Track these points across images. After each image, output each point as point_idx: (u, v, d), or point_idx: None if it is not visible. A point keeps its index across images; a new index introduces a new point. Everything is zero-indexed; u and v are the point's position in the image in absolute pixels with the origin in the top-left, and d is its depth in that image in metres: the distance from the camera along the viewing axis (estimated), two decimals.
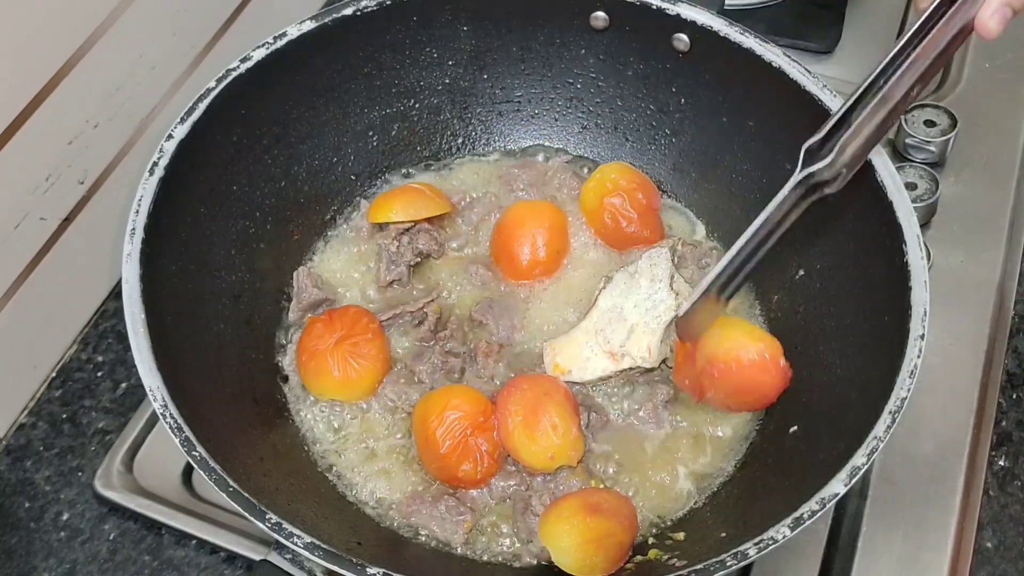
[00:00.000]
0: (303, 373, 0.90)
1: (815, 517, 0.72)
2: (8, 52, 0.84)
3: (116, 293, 1.03)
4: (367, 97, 1.01)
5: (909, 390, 0.76)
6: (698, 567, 0.71)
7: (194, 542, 0.90)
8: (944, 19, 0.78)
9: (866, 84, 0.80)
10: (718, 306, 0.83)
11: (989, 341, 0.99)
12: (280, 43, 0.93)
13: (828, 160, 0.80)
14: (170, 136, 0.87)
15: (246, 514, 0.72)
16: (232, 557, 0.89)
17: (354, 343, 0.89)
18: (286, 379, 0.93)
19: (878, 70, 0.79)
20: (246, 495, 0.73)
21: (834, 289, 0.91)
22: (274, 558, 0.77)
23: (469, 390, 0.89)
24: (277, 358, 0.93)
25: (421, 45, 1.00)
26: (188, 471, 0.93)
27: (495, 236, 1.00)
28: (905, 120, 1.11)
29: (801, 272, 0.94)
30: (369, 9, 0.95)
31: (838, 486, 0.73)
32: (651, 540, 0.84)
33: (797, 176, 0.81)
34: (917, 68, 0.79)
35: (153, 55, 1.00)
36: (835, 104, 0.89)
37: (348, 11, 0.95)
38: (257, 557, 0.86)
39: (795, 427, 0.87)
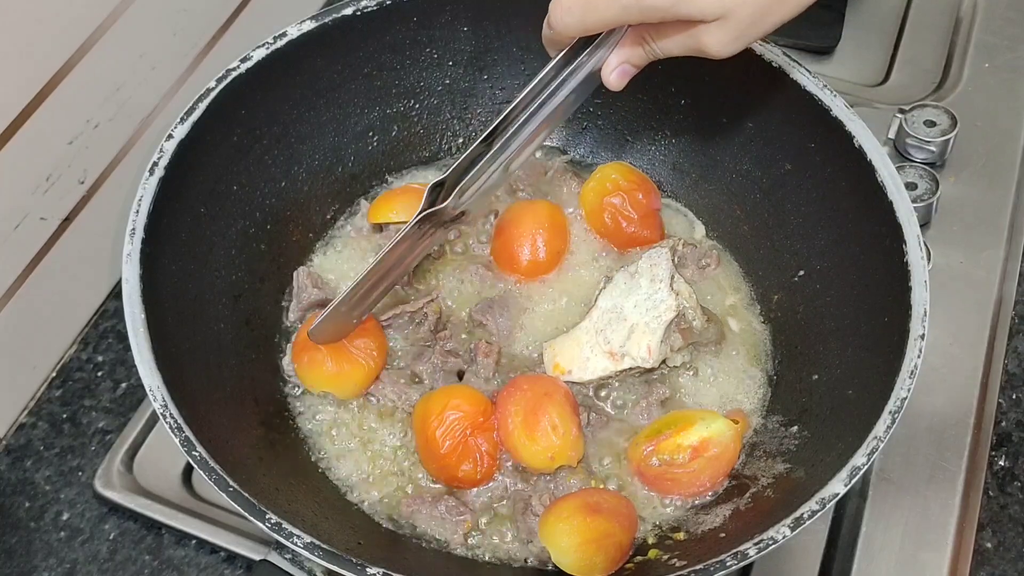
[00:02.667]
0: (297, 364, 0.90)
1: (815, 517, 0.72)
2: (8, 52, 0.84)
3: (116, 293, 1.03)
4: (367, 97, 1.01)
5: (909, 390, 0.76)
6: (698, 567, 0.71)
7: (194, 542, 0.90)
8: (569, 69, 0.80)
9: (493, 127, 0.82)
10: (350, 322, 0.88)
11: (989, 341, 0.99)
12: (280, 43, 0.93)
13: (448, 202, 0.83)
14: (170, 136, 0.87)
15: (246, 514, 0.72)
16: (232, 557, 0.89)
17: (350, 338, 0.89)
18: (286, 379, 0.93)
19: (504, 114, 0.82)
20: (246, 495, 0.73)
21: (834, 289, 0.91)
22: (274, 558, 0.78)
23: (469, 390, 0.89)
24: (277, 358, 0.93)
25: (421, 45, 1.00)
26: (188, 471, 0.93)
27: (495, 236, 1.00)
28: (905, 120, 1.11)
29: (801, 272, 0.94)
30: (369, 9, 0.95)
31: (838, 486, 0.73)
32: (651, 540, 0.84)
33: (418, 216, 0.83)
34: (541, 114, 0.82)
35: (153, 55, 1.00)
36: (835, 104, 0.89)
37: (348, 11, 0.95)
38: (257, 557, 0.86)
39: (795, 427, 0.87)
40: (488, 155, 0.83)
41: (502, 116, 0.82)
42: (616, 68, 0.80)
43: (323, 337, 0.87)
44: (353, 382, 0.90)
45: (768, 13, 0.74)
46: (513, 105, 0.82)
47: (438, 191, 0.84)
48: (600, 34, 0.79)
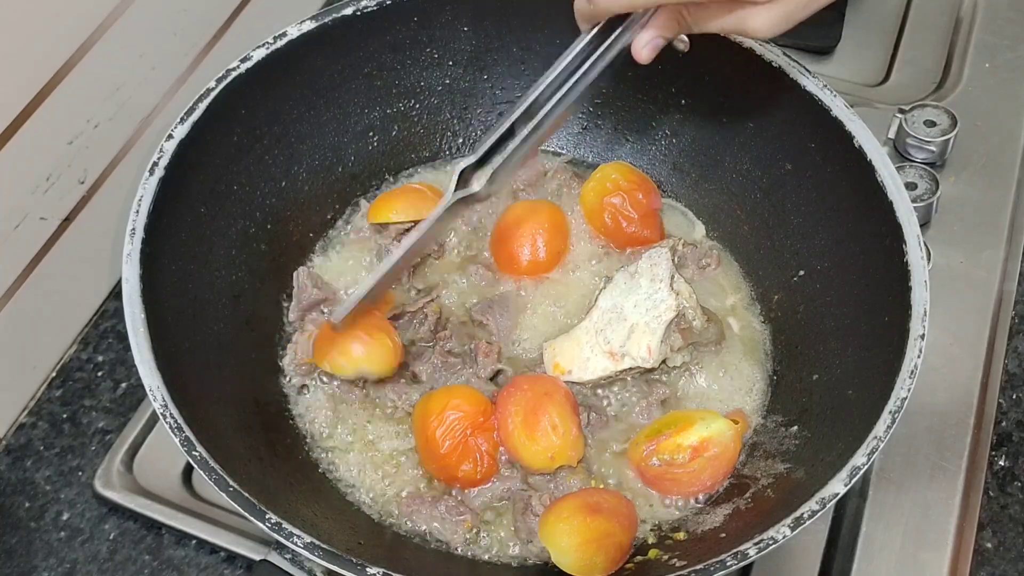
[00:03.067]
0: (323, 357, 0.89)
1: (815, 517, 0.72)
2: (8, 52, 0.84)
3: (116, 293, 1.03)
4: (367, 97, 1.01)
5: (909, 390, 0.76)
6: (698, 567, 0.71)
7: (194, 542, 0.90)
8: (603, 46, 0.79)
9: (524, 107, 0.81)
10: (368, 308, 0.87)
11: (989, 341, 0.99)
12: (280, 43, 0.93)
13: (481, 185, 0.82)
14: (170, 136, 0.87)
15: (246, 514, 0.72)
16: (232, 557, 0.89)
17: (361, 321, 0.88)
18: (286, 379, 0.93)
19: (535, 94, 0.81)
20: (246, 495, 0.73)
21: (834, 289, 0.91)
22: (274, 558, 0.77)
23: (469, 390, 0.89)
24: (277, 358, 0.93)
25: (421, 45, 1.00)
26: (188, 471, 0.93)
27: (495, 236, 1.00)
28: (905, 120, 1.11)
29: (801, 272, 0.94)
30: (369, 9, 0.95)
31: (838, 486, 0.73)
32: (651, 540, 0.84)
33: (451, 200, 0.82)
34: (574, 93, 0.81)
35: (153, 55, 1.00)
36: (835, 104, 0.89)
37: (348, 11, 0.95)
38: (257, 557, 0.86)
39: (795, 427, 0.87)
40: (522, 135, 0.81)
41: (533, 96, 0.81)
42: (649, 42, 0.78)
43: (346, 326, 0.86)
44: (386, 350, 0.88)
45: None
46: (545, 84, 0.80)
47: (464, 173, 0.82)
48: None
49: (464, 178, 0.83)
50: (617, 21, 0.79)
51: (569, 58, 0.80)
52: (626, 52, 0.80)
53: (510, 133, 0.82)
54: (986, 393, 0.96)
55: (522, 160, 0.83)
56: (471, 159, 0.82)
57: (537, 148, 0.83)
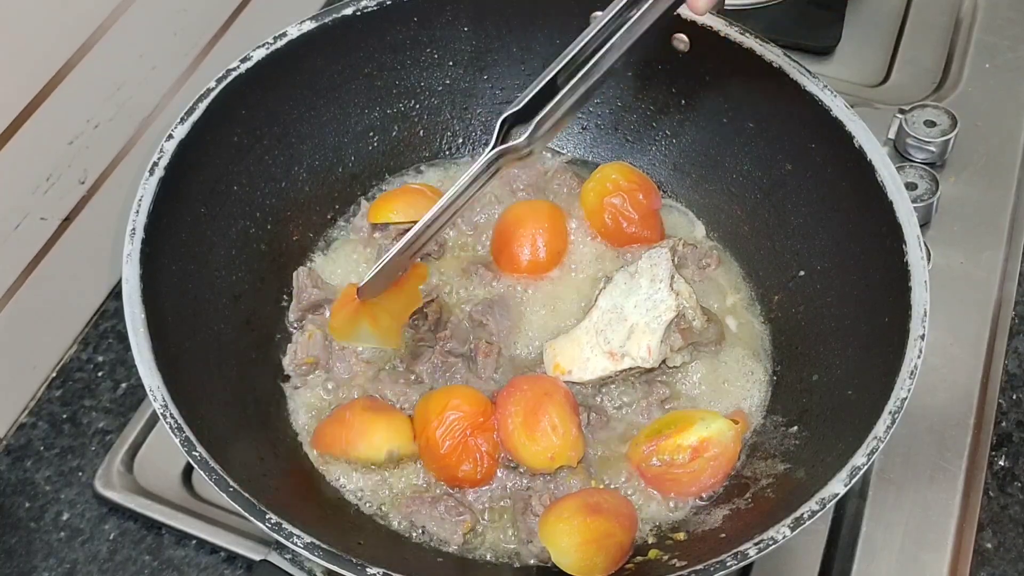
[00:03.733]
0: (341, 329, 0.87)
1: (815, 517, 0.72)
2: (8, 52, 0.84)
3: (116, 293, 1.03)
4: (367, 97, 1.01)
5: (909, 390, 0.76)
6: (698, 567, 0.71)
7: (194, 542, 0.90)
8: None
9: (570, 56, 0.77)
10: (397, 273, 0.84)
11: (989, 341, 0.99)
12: (280, 43, 0.93)
13: (525, 136, 0.77)
14: (170, 136, 0.87)
15: (246, 514, 0.72)
16: (232, 557, 0.89)
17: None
18: (286, 379, 0.93)
19: (584, 41, 0.77)
20: (246, 495, 0.73)
21: (834, 289, 0.91)
22: (274, 558, 0.77)
23: (469, 390, 0.89)
24: (277, 358, 0.93)
25: (422, 45, 1.00)
26: (188, 471, 0.93)
27: (495, 236, 1.00)
28: (905, 120, 1.11)
29: (801, 272, 0.94)
30: (369, 9, 0.96)
31: (838, 486, 0.73)
32: (651, 540, 0.84)
33: (493, 152, 0.78)
34: (624, 42, 0.77)
35: (153, 55, 1.00)
36: (835, 104, 0.89)
37: (348, 11, 0.95)
38: (257, 557, 0.86)
39: (795, 427, 0.87)
40: (570, 85, 0.77)
41: (577, 48, 0.77)
42: None
43: (370, 293, 0.84)
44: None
45: None
46: (590, 37, 0.77)
47: (505, 126, 0.78)
48: None
49: (505, 132, 0.79)
50: None
51: (616, 9, 0.77)
52: (678, 4, 0.76)
53: (552, 88, 0.78)
54: (986, 393, 0.96)
55: (565, 116, 0.79)
56: (513, 109, 0.78)
57: (580, 107, 0.79)
